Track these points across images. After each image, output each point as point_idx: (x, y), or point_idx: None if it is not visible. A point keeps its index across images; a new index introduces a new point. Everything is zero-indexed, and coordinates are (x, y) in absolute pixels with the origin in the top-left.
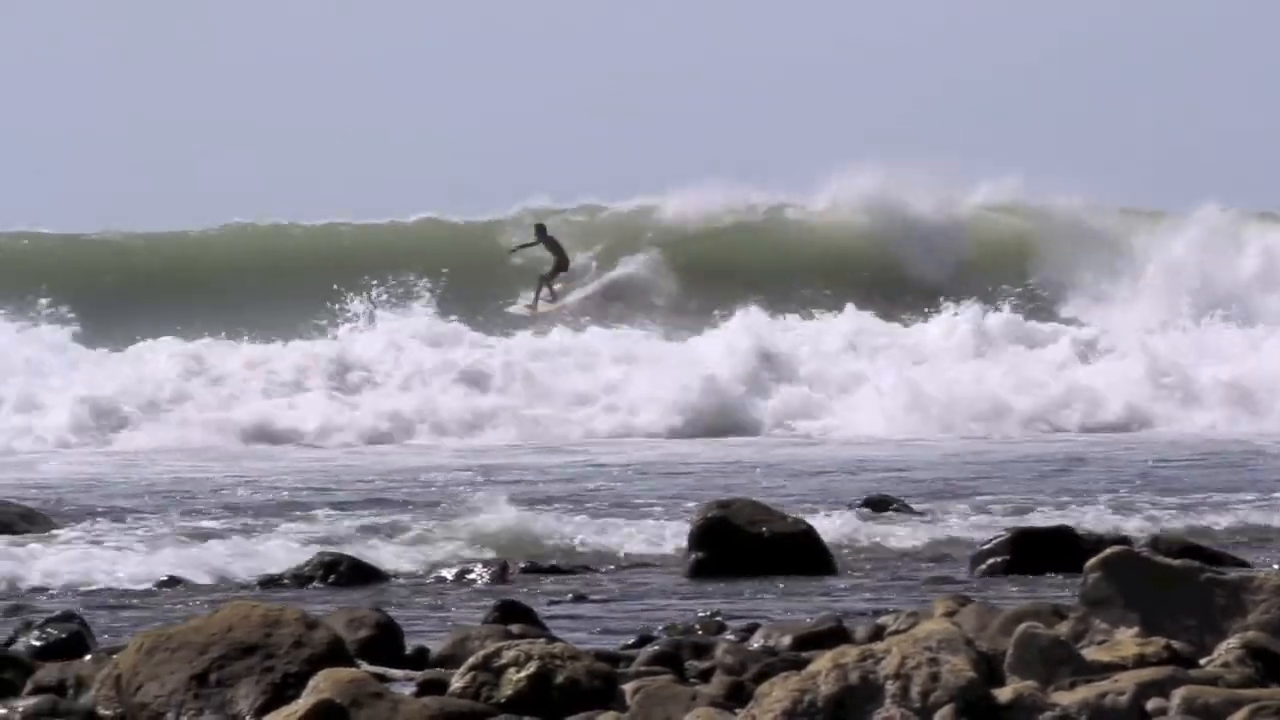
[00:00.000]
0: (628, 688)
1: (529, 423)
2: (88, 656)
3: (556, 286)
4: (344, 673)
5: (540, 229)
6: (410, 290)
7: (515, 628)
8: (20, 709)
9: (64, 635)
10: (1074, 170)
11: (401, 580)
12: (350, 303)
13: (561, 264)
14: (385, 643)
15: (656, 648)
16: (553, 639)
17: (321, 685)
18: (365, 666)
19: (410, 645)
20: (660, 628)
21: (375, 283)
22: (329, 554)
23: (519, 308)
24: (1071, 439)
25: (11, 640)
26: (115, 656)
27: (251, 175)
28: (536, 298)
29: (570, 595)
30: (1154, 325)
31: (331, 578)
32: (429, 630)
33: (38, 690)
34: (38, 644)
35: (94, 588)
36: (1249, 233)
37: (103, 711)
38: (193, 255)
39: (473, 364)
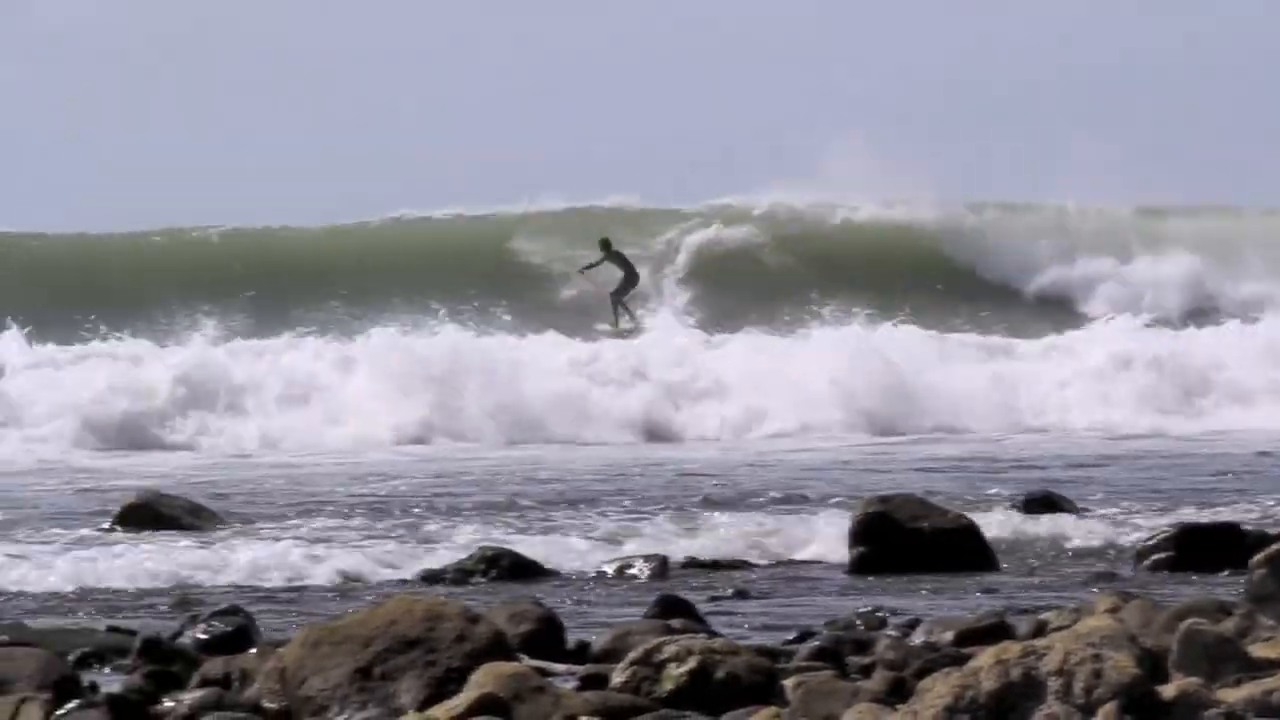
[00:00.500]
0: (788, 683)
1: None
2: (252, 650)
3: (628, 302)
4: (505, 667)
5: (605, 244)
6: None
7: (676, 623)
8: (187, 702)
9: (229, 629)
10: None
11: (563, 575)
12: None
13: (631, 278)
14: (547, 637)
15: (817, 643)
16: (713, 634)
17: (483, 680)
18: (527, 661)
19: (571, 640)
20: (821, 623)
21: None
22: (490, 549)
23: (605, 327)
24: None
25: (178, 634)
26: (280, 650)
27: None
28: (616, 317)
29: (731, 591)
30: None
31: (493, 572)
32: (590, 625)
33: (204, 683)
34: (203, 637)
35: (258, 583)
36: None
37: (267, 705)
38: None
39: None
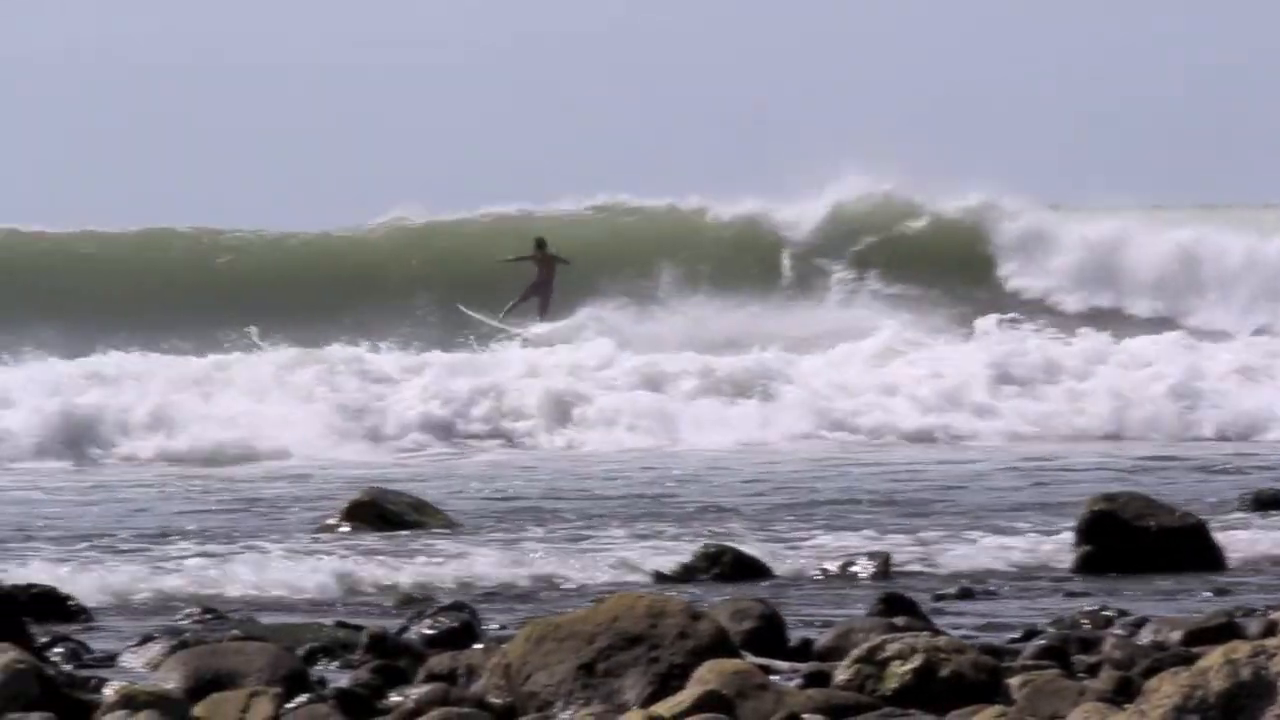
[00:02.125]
0: (1013, 682)
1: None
2: (478, 646)
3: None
4: (728, 664)
5: (540, 243)
6: None
7: (899, 621)
8: (413, 696)
9: (454, 624)
10: None
11: (784, 573)
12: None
13: (545, 287)
14: (769, 635)
15: (1043, 642)
16: (937, 632)
17: (706, 676)
18: (749, 658)
19: (794, 638)
20: (1046, 622)
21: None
22: (714, 546)
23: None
24: None
25: (404, 629)
26: (504, 646)
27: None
28: (512, 306)
29: (955, 590)
30: None
31: (715, 570)
32: (812, 623)
33: (430, 678)
34: (429, 633)
35: (481, 579)
36: None
37: (492, 700)
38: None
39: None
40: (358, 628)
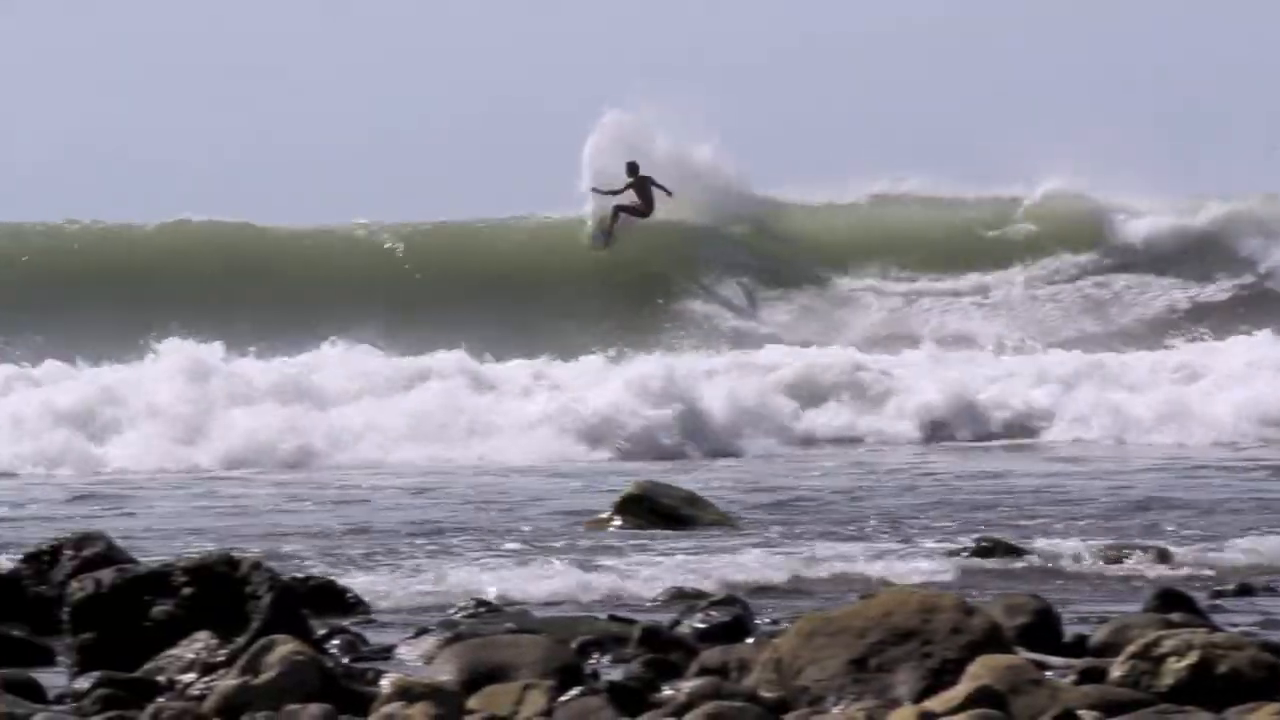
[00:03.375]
0: None
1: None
2: (749, 640)
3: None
4: (1002, 659)
5: (633, 168)
6: None
7: (1175, 616)
8: (685, 690)
9: (726, 619)
10: None
11: (1054, 567)
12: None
13: (647, 206)
14: (1043, 630)
15: None
16: (1214, 628)
17: (979, 672)
18: (1023, 654)
19: (1068, 633)
20: None
21: None
22: (986, 540)
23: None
24: None
25: (676, 623)
26: (776, 640)
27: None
28: (611, 225)
29: (1234, 586)
30: None
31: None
32: (1087, 618)
33: (701, 672)
34: (701, 626)
35: (751, 574)
36: None
37: (764, 694)
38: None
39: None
40: (630, 621)
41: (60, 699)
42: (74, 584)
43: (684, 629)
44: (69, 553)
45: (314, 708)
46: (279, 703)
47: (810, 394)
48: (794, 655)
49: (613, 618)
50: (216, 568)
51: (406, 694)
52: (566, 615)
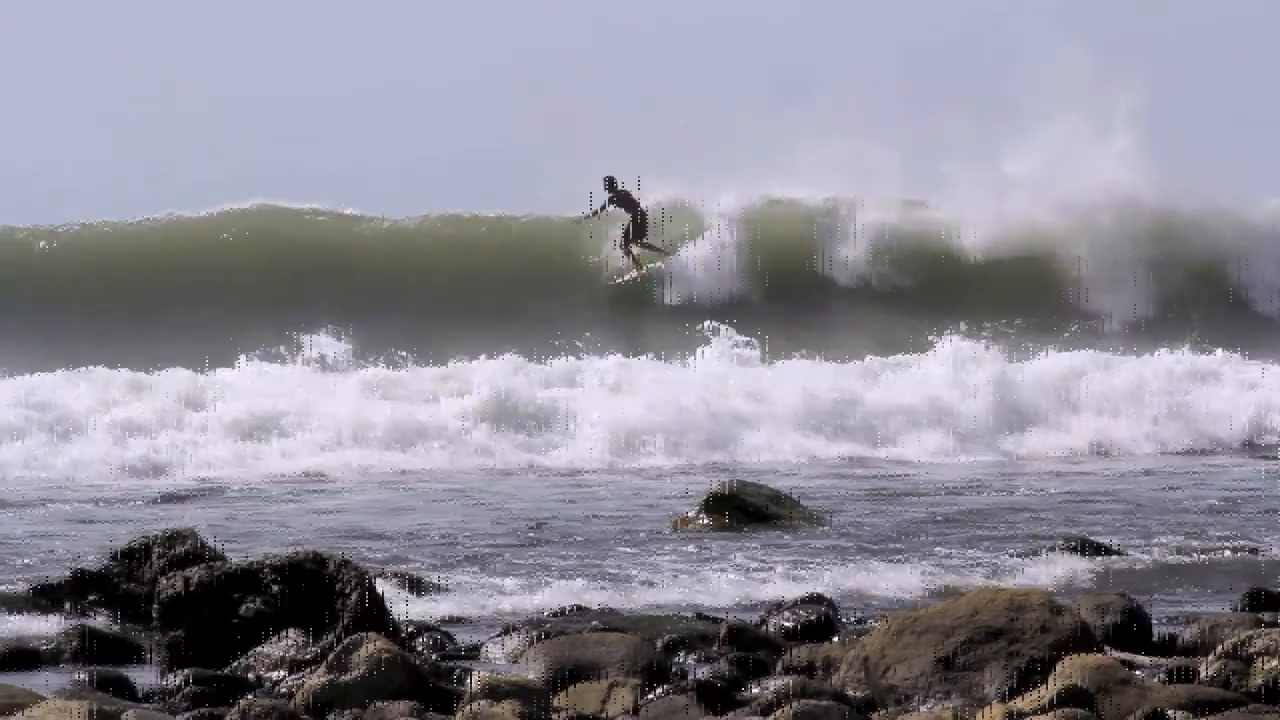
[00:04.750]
0: None
1: None
2: (835, 639)
3: (636, 251)
4: (1091, 659)
5: (610, 182)
6: None
7: (1266, 616)
8: (771, 688)
9: (813, 617)
10: None
11: (1140, 567)
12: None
13: (641, 218)
14: (1132, 629)
15: None
16: None
17: (1068, 671)
18: (1112, 653)
19: (1157, 633)
20: None
21: None
22: (1073, 539)
23: (617, 279)
24: None
25: (762, 622)
26: (863, 639)
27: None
28: (630, 258)
29: None
30: None
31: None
32: (1176, 617)
33: (788, 670)
34: (788, 625)
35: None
36: None
37: (851, 693)
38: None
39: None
40: (716, 620)
41: (150, 696)
42: (163, 581)
43: (770, 628)
44: (159, 550)
45: (401, 705)
46: (366, 700)
47: None
48: (881, 654)
49: (699, 616)
50: (305, 566)
51: (493, 691)
52: (654, 613)
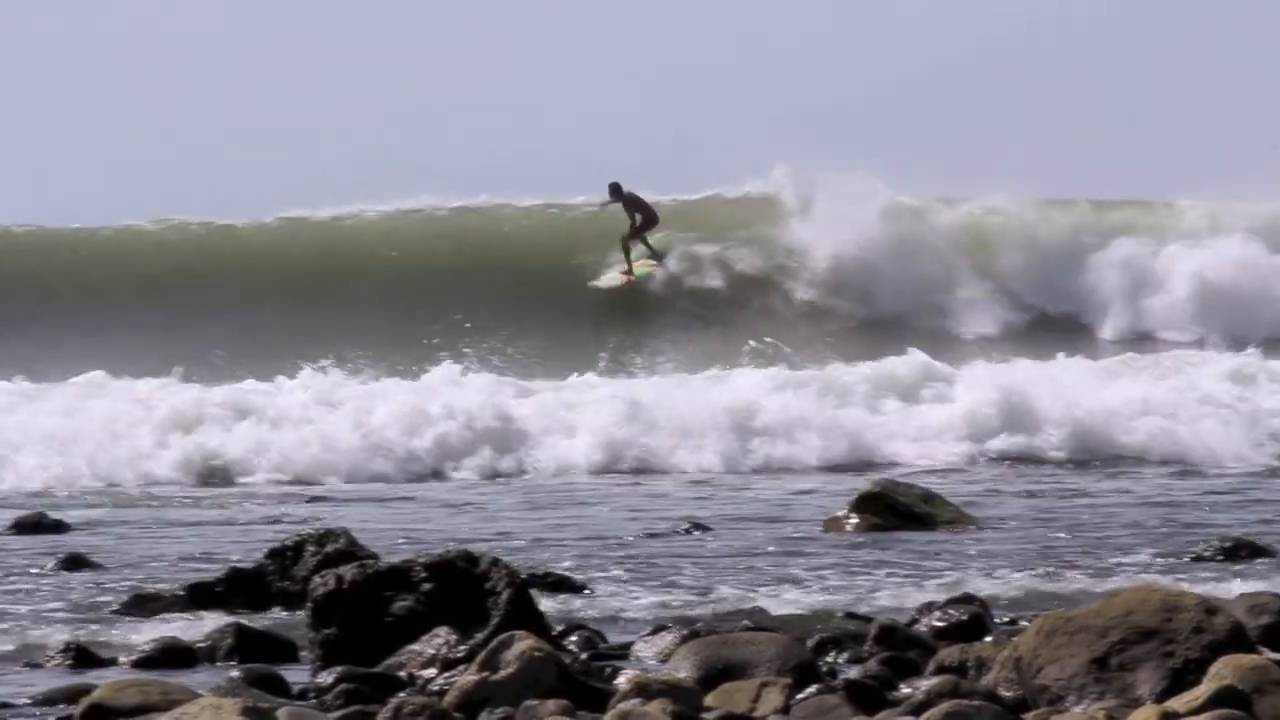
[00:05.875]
0: None
1: None
2: (987, 638)
3: (643, 249)
4: (1246, 659)
5: (614, 188)
6: None
7: None
8: (923, 688)
9: (964, 617)
10: None
11: None
12: None
13: (649, 219)
14: None
15: None
16: None
17: (1223, 672)
18: (1267, 653)
19: None
20: None
21: None
22: (1229, 539)
23: (609, 280)
24: None
25: (913, 621)
26: (1015, 639)
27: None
28: (628, 262)
29: None
30: None
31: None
32: None
33: (939, 670)
34: (939, 624)
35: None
36: None
37: (1003, 693)
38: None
39: None
40: (867, 619)
41: (303, 694)
42: (316, 580)
43: (921, 627)
44: (311, 549)
45: (551, 704)
46: (518, 699)
47: None
48: (1034, 654)
49: (849, 615)
50: (456, 564)
51: (644, 690)
52: (803, 613)
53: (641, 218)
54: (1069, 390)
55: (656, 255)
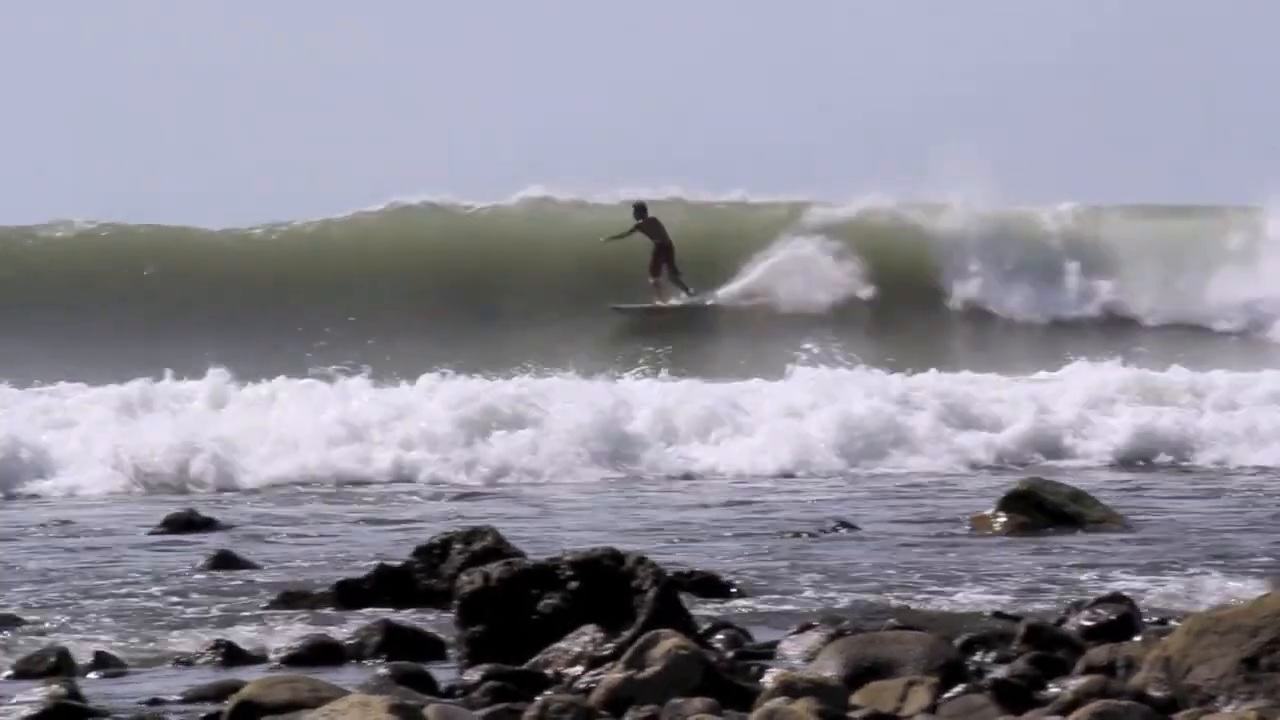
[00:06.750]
0: None
1: None
2: (1137, 638)
3: (654, 281)
4: None
5: (640, 209)
6: None
7: None
8: (1071, 688)
9: (1113, 616)
10: None
11: None
12: None
13: (666, 248)
14: None
15: None
16: None
17: None
18: None
19: None
20: None
21: None
22: None
23: (622, 305)
24: None
25: (1062, 620)
26: (1164, 639)
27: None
28: (661, 295)
29: None
30: None
31: None
32: None
33: (1088, 670)
34: (1088, 624)
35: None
36: None
37: (1152, 693)
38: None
39: None
40: (1015, 618)
41: (451, 691)
42: (463, 577)
43: (1070, 626)
44: (458, 546)
45: (697, 702)
46: (663, 697)
47: None
48: (1183, 654)
49: (997, 614)
50: (602, 562)
51: (790, 689)
52: (951, 611)
53: (655, 245)
54: None
55: (684, 287)
